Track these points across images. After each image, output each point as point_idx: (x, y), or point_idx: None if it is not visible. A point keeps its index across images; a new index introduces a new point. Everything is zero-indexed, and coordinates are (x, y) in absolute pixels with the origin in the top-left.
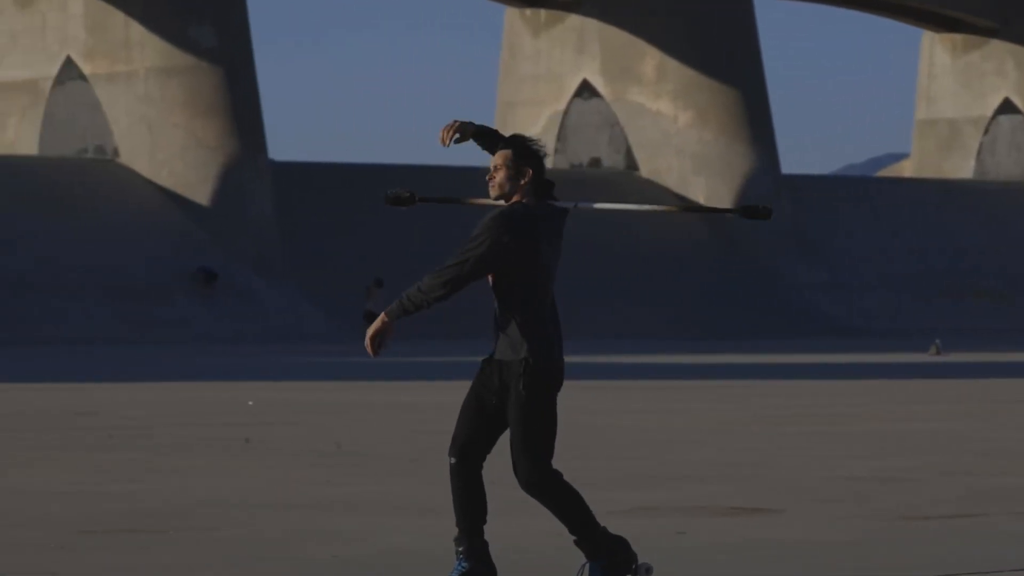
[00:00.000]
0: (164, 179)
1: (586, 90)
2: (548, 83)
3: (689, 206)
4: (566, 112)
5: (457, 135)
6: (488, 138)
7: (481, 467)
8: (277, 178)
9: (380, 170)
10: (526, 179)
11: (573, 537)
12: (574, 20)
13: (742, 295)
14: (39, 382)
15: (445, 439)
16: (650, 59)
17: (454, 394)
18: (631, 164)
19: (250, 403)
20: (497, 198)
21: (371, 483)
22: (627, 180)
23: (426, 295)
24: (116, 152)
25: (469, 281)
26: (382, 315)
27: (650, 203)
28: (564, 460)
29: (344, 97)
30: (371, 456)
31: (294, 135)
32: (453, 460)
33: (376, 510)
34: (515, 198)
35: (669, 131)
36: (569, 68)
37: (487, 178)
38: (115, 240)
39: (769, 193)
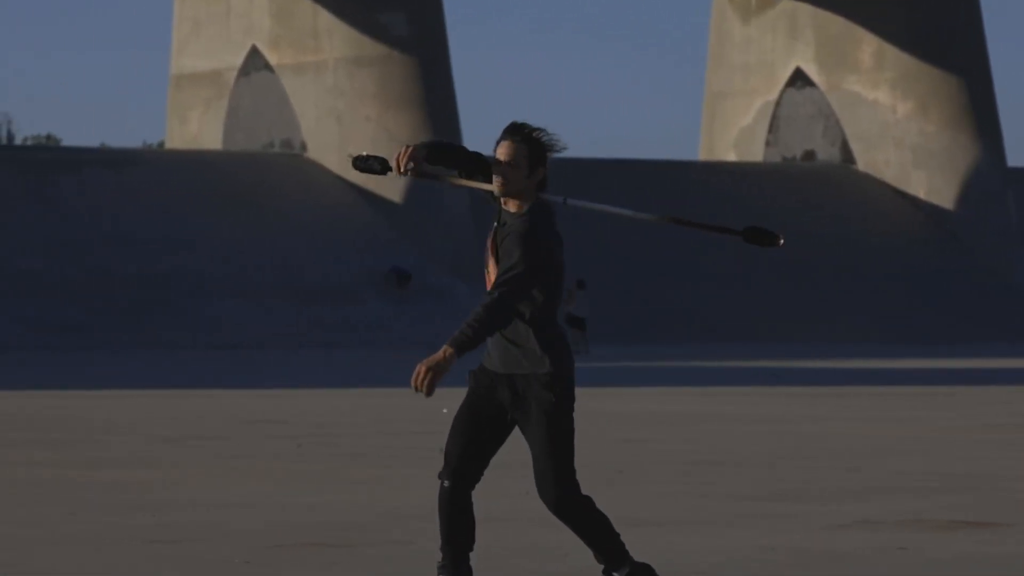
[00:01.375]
0: (354, 175)
1: (799, 79)
2: (759, 72)
3: (683, 220)
4: (778, 103)
5: (411, 164)
6: (446, 154)
7: (472, 490)
8: None
9: (581, 165)
10: (539, 178)
11: (601, 565)
12: (786, 5)
13: (963, 295)
14: (223, 388)
15: (652, 448)
16: (867, 45)
17: (660, 402)
18: (847, 157)
19: (444, 411)
20: (501, 195)
21: None
22: (843, 174)
23: (495, 321)
24: (304, 146)
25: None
26: (447, 349)
27: (867, 199)
28: (782, 471)
29: (542, 88)
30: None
31: (488, 127)
32: (447, 483)
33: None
34: (521, 196)
35: (888, 122)
36: (781, 56)
37: (496, 173)
38: (302, 239)
39: (995, 188)
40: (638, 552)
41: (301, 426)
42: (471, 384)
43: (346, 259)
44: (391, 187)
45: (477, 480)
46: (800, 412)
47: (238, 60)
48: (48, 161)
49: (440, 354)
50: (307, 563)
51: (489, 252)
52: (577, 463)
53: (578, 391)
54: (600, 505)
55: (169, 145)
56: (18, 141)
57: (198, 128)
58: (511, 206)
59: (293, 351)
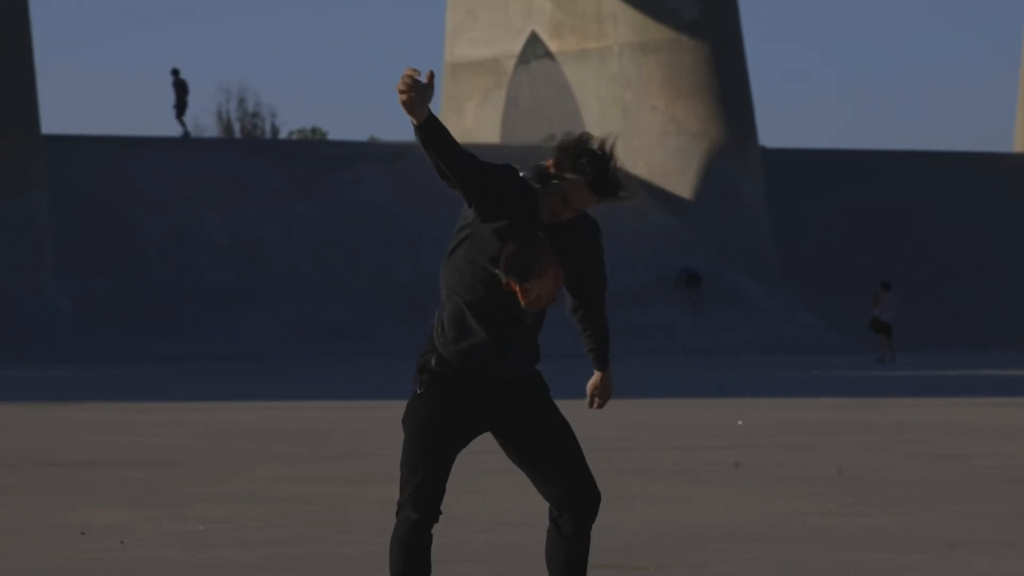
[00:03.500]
0: (640, 169)
1: None
2: None
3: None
4: None
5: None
6: (436, 132)
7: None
8: (769, 167)
9: (884, 157)
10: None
11: None
12: None
13: None
14: None
15: (965, 463)
16: None
17: (972, 413)
18: None
19: (739, 423)
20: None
21: (879, 514)
22: None
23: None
24: None
25: None
26: (608, 372)
27: None
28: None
29: (842, 70)
30: (878, 482)
31: (782, 117)
32: (415, 516)
33: (891, 544)
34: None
35: None
36: None
37: (567, 208)
38: None
39: None
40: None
41: (583, 440)
42: (450, 400)
43: (634, 261)
44: (683, 184)
45: (440, 512)
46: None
47: (516, 47)
48: (315, 156)
49: (609, 377)
50: None
51: (547, 251)
52: (882, 479)
53: (882, 401)
54: (911, 526)
55: None
56: (283, 135)
57: (474, 120)
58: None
59: (577, 359)
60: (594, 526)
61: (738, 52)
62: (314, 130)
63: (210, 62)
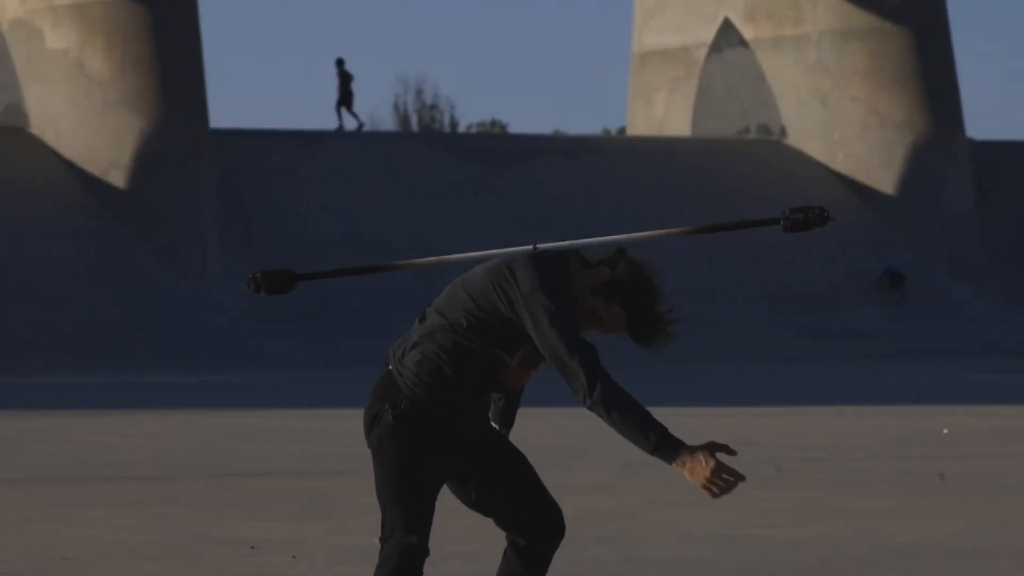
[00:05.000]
0: (840, 163)
1: None
2: None
3: (713, 225)
4: None
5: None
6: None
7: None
8: (977, 161)
9: None
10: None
11: None
12: None
13: None
14: (690, 406)
15: None
16: None
17: None
18: None
19: (945, 431)
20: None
21: None
22: None
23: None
24: (783, 132)
25: None
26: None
27: None
28: None
29: None
30: None
31: (993, 108)
32: (415, 539)
33: None
34: None
35: None
36: None
37: (595, 329)
38: (780, 238)
39: None
40: None
41: (780, 449)
42: (447, 427)
43: (832, 260)
44: (884, 179)
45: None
46: None
47: (709, 35)
48: (495, 151)
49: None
50: None
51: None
52: None
53: None
54: None
55: (631, 131)
56: (461, 128)
57: (664, 111)
58: None
59: (770, 363)
60: (797, 537)
61: (943, 39)
62: (494, 123)
63: (387, 53)
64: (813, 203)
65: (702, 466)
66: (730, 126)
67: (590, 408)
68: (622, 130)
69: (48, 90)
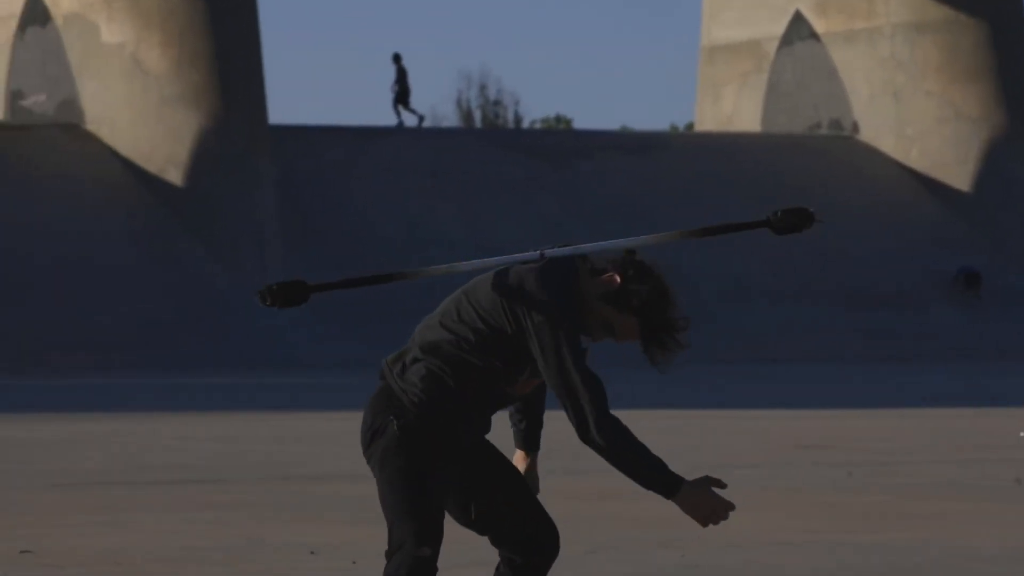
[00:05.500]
0: (913, 159)
1: None
2: None
3: (701, 229)
4: None
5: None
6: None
7: None
8: None
9: None
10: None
11: None
12: None
13: None
14: (761, 408)
15: None
16: None
17: None
18: None
19: (1021, 434)
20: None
21: None
22: None
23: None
24: (855, 127)
25: None
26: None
27: None
28: None
29: None
30: None
31: None
32: (427, 552)
33: None
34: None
35: None
36: None
37: (608, 338)
38: (851, 235)
39: None
40: None
41: (852, 452)
42: (465, 435)
43: (904, 258)
44: (959, 176)
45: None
46: None
47: (779, 28)
48: (560, 147)
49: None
50: None
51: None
52: None
53: None
54: None
55: (699, 127)
56: (525, 124)
57: (733, 106)
58: None
59: (842, 365)
60: (867, 543)
61: (1019, 31)
62: (559, 119)
63: (449, 47)
64: (884, 200)
65: (704, 502)
66: (801, 122)
67: (591, 443)
68: (690, 126)
69: (104, 86)
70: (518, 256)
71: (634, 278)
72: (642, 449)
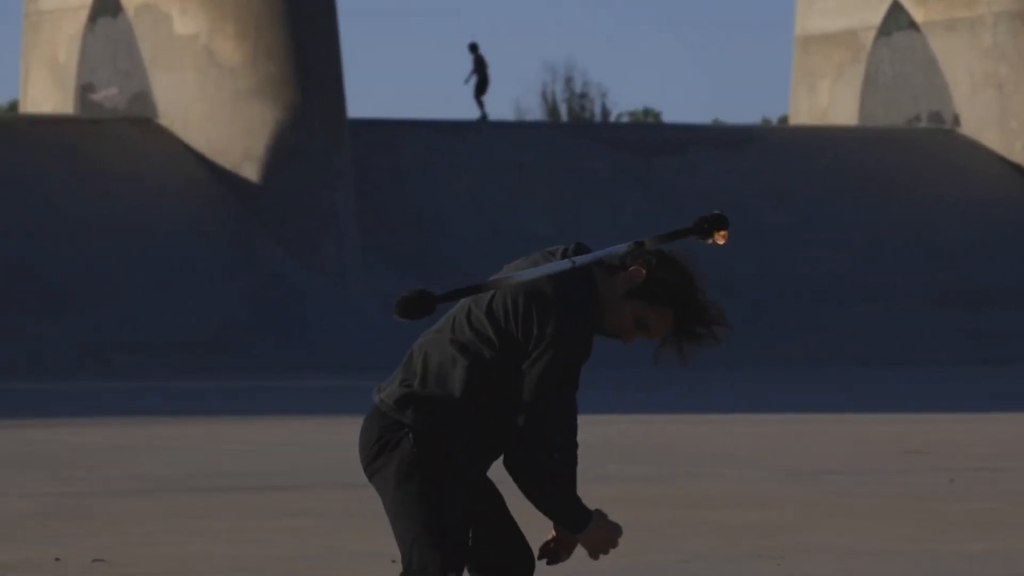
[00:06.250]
0: (1017, 153)
1: None
2: None
3: (644, 240)
4: None
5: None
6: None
7: None
8: None
9: None
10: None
11: None
12: None
13: None
14: (857, 412)
15: None
16: None
17: None
18: None
19: None
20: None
21: None
22: None
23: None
24: (956, 120)
25: None
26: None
27: None
28: None
29: None
30: None
31: None
32: None
33: None
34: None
35: None
36: None
37: (640, 335)
38: (952, 233)
39: None
40: None
41: (950, 458)
42: (471, 458)
43: (1007, 257)
44: None
45: None
46: None
47: (876, 17)
48: (647, 140)
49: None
50: None
51: None
52: None
53: None
54: None
55: (794, 120)
56: (613, 118)
57: (829, 99)
58: None
59: (939, 367)
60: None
61: None
62: (647, 112)
63: (534, 38)
64: (986, 196)
65: (605, 533)
66: (899, 114)
67: (518, 466)
68: (784, 119)
69: (177, 79)
70: (549, 267)
71: (659, 266)
72: (570, 489)
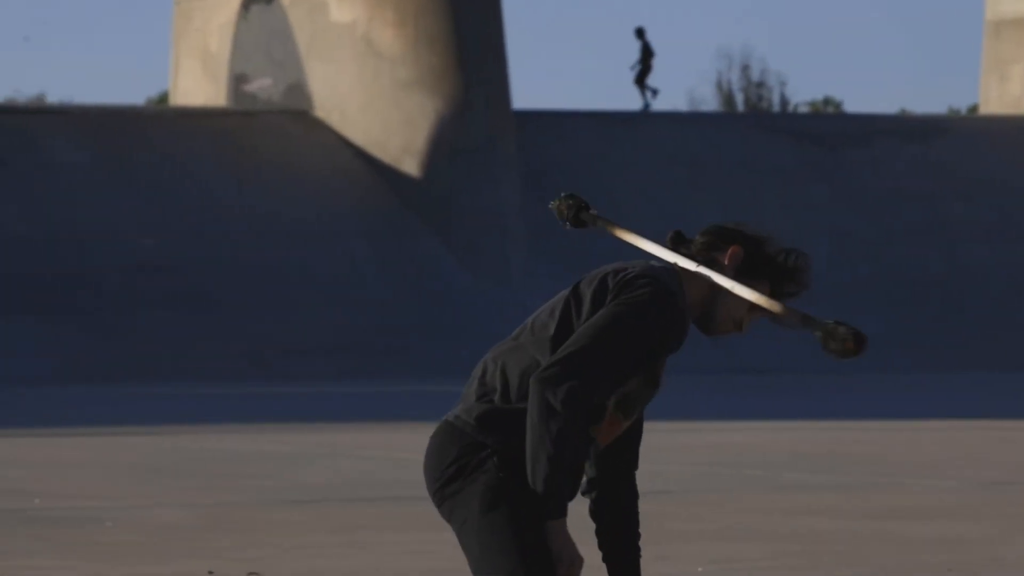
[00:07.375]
0: None
1: None
2: None
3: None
4: None
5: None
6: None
7: None
8: None
9: None
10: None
11: None
12: None
13: None
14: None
15: None
16: None
17: None
18: None
19: None
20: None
21: None
22: None
23: None
24: None
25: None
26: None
27: None
28: None
29: None
30: None
31: None
32: None
33: None
34: None
35: None
36: None
37: (747, 319)
38: None
39: None
40: None
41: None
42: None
43: None
44: None
45: None
46: None
47: None
48: (828, 132)
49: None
50: None
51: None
52: None
53: None
54: None
55: (984, 109)
56: (792, 107)
57: (1022, 87)
58: None
59: None
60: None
61: None
62: (827, 101)
63: (708, 24)
64: None
65: (572, 544)
66: None
67: (542, 385)
68: (973, 108)
69: (334, 69)
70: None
71: (751, 241)
72: (568, 455)
